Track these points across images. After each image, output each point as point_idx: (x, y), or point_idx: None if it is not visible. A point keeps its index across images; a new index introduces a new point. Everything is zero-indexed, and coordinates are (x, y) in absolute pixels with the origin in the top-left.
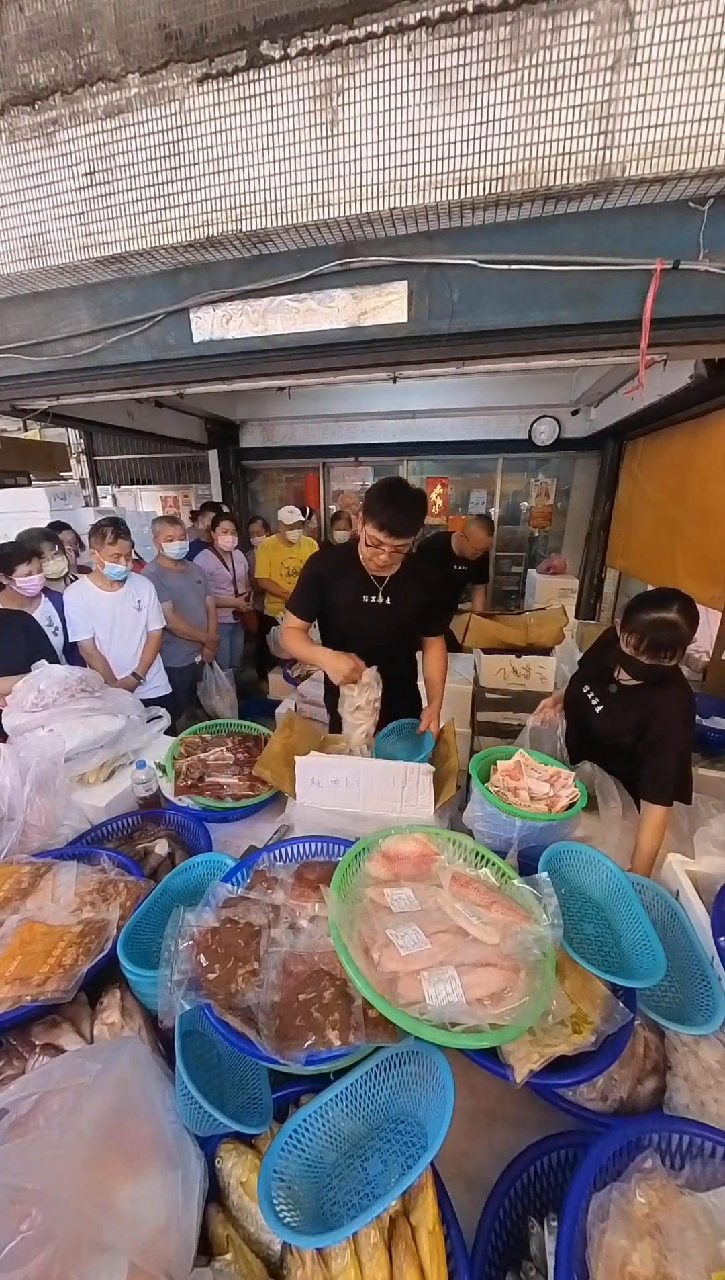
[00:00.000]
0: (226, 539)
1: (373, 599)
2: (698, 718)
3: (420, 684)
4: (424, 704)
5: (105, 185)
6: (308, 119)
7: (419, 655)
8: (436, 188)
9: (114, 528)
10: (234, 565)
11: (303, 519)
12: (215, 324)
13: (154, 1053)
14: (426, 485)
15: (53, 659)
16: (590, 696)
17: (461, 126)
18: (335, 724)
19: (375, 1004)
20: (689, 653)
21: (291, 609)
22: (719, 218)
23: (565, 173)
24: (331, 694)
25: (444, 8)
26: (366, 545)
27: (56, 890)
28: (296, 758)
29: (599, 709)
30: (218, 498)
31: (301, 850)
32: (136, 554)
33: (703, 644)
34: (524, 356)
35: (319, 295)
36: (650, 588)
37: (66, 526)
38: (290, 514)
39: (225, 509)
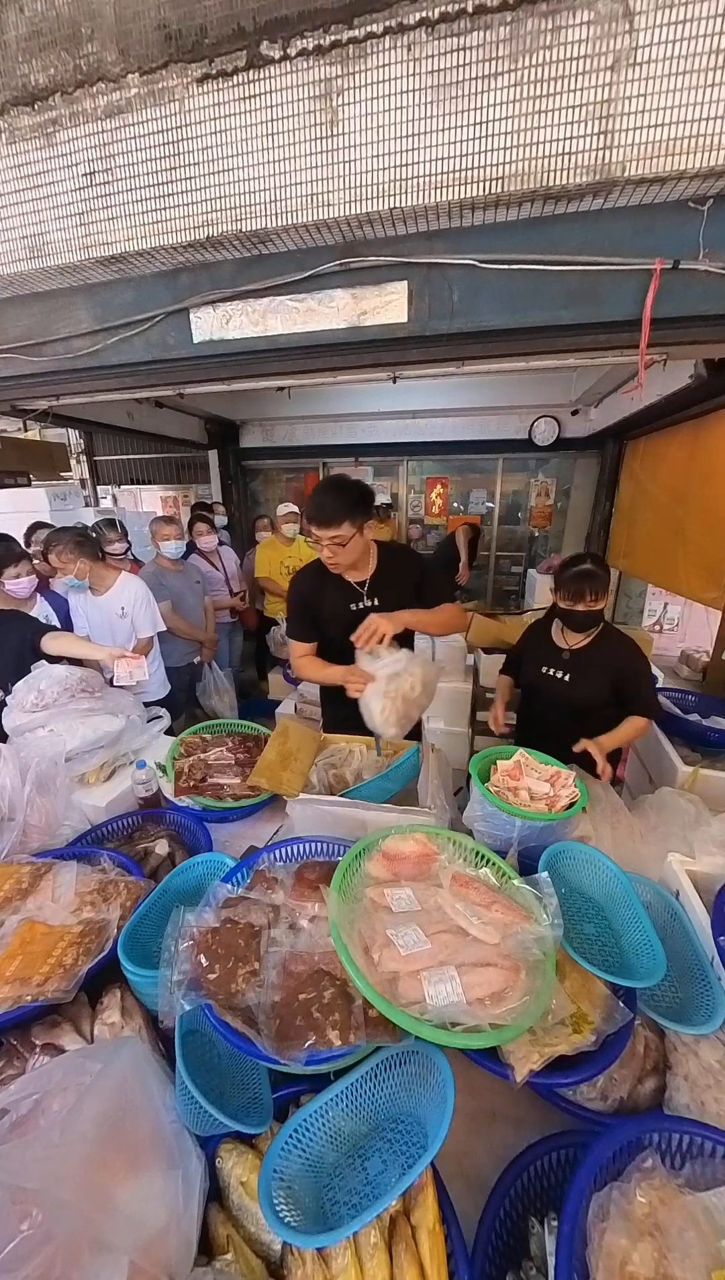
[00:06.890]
0: (205, 540)
1: (360, 605)
2: (698, 717)
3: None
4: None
5: (105, 185)
6: (308, 119)
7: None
8: (436, 188)
9: (64, 543)
10: (224, 565)
11: (296, 509)
12: (215, 324)
13: (154, 1053)
14: (426, 485)
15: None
16: (551, 672)
17: (461, 126)
18: (328, 725)
19: (375, 1004)
20: (689, 652)
21: (291, 635)
22: (719, 218)
23: (565, 173)
24: (328, 697)
25: (444, 8)
26: (315, 545)
27: (57, 890)
28: (288, 800)
29: (566, 678)
30: (218, 498)
31: (301, 850)
32: (134, 555)
33: (703, 644)
34: (523, 356)
35: (319, 295)
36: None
37: (50, 528)
38: (284, 507)
39: (209, 508)
